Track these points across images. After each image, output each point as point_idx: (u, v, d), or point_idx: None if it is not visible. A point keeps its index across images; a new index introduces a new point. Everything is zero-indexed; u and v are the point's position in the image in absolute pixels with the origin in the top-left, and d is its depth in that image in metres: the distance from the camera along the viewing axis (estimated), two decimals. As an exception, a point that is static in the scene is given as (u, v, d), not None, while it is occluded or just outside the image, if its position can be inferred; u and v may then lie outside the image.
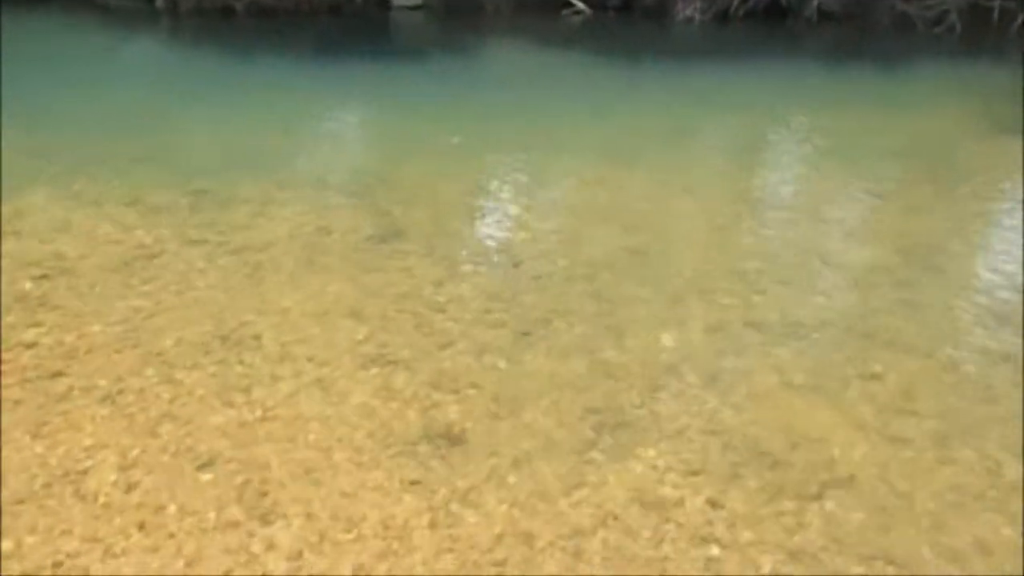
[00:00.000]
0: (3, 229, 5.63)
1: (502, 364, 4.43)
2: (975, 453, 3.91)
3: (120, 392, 3.99)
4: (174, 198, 6.38)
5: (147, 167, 7.02)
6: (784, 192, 7.57)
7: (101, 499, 3.33)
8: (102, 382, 4.06)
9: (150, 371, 4.18)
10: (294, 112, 9.21)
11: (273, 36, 13.37)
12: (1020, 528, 3.44)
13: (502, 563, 3.14)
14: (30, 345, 4.35)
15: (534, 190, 7.17)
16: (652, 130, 8.99)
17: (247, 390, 4.07)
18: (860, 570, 3.19)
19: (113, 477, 3.45)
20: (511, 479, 3.57)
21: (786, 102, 10.66)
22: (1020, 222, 6.75)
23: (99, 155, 7.24)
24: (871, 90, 11.34)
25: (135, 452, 3.60)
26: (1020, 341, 4.89)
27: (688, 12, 15.44)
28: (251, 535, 3.20)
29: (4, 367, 4.12)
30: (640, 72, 12.03)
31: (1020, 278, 5.68)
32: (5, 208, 5.95)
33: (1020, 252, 6.12)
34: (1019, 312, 5.22)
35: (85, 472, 3.47)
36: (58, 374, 4.11)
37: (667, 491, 3.57)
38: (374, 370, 4.31)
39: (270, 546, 3.16)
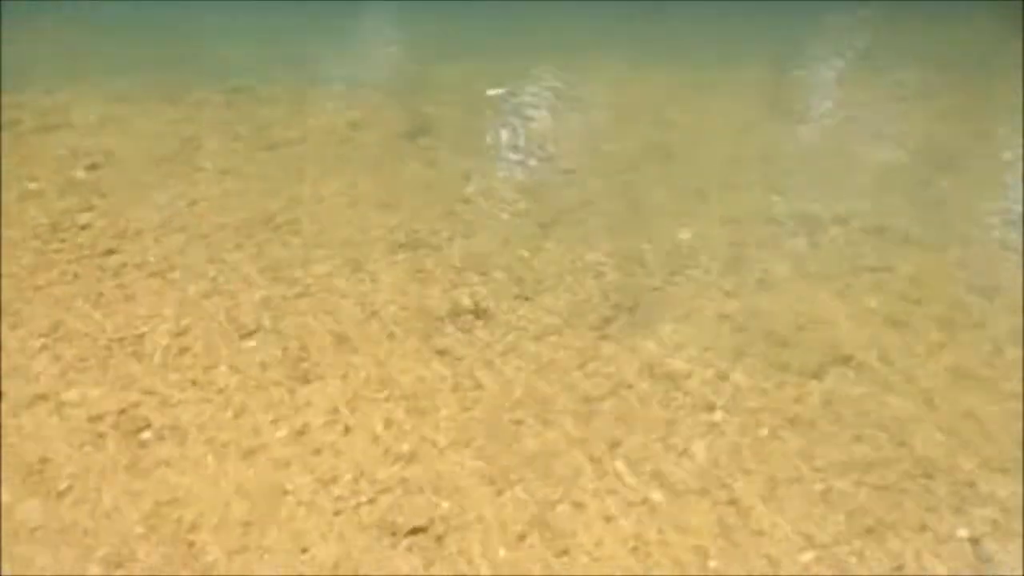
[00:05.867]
0: (54, 121, 5.91)
1: (526, 251, 4.65)
2: (977, 338, 4.09)
3: (170, 268, 4.30)
4: (211, 96, 6.59)
5: (182, 68, 7.19)
6: (811, 95, 7.58)
7: (157, 359, 3.65)
8: (152, 259, 4.36)
9: (196, 251, 4.47)
10: (324, 14, 9.24)
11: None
12: (1015, 403, 3.65)
13: (519, 422, 3.42)
14: (84, 226, 4.66)
15: (563, 90, 7.24)
16: (681, 31, 8.94)
17: (287, 269, 4.35)
18: (852, 435, 3.43)
19: (166, 342, 3.77)
20: (530, 351, 3.83)
21: (818, 3, 10.48)
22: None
23: (134, 57, 7.42)
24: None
25: (185, 321, 3.91)
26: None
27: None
28: (292, 392, 3.51)
29: (62, 245, 4.44)
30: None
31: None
32: (53, 100, 6.23)
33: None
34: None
35: (141, 337, 3.79)
36: (111, 252, 4.42)
37: (677, 365, 3.81)
38: (404, 255, 4.56)
39: (308, 402, 3.46)
